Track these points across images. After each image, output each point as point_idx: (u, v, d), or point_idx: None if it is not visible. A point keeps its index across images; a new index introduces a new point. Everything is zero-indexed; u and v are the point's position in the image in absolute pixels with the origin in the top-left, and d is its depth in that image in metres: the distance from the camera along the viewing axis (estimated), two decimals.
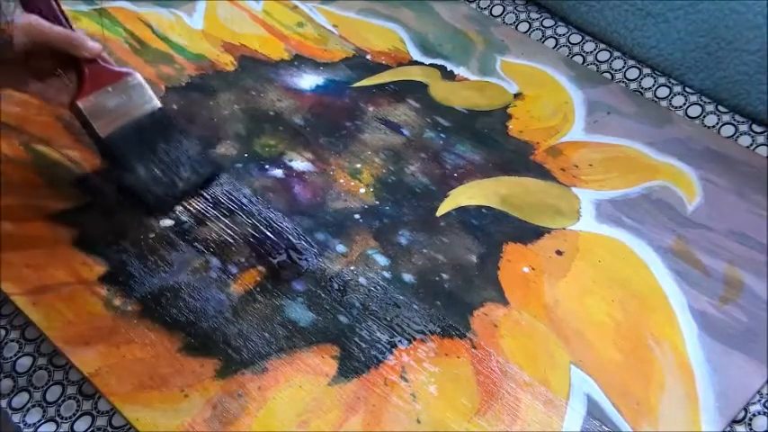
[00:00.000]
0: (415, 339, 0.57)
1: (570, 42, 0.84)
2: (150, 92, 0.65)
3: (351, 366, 0.56)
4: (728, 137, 0.74)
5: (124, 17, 0.84)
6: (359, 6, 0.89)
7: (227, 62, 0.80)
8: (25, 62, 0.60)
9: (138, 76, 0.65)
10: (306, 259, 0.62)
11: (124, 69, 0.65)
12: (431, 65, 0.82)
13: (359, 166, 0.70)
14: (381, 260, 0.63)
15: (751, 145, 0.73)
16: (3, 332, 0.58)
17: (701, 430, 0.53)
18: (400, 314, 0.59)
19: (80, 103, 0.62)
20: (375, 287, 0.61)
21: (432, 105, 0.77)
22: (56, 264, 0.61)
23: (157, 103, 0.65)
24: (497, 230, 0.65)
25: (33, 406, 0.55)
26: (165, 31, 0.83)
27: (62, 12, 0.63)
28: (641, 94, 0.79)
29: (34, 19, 0.59)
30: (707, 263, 0.63)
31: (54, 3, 0.63)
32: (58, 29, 0.60)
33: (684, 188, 0.69)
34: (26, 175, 0.67)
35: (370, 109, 0.76)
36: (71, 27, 0.63)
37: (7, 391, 0.55)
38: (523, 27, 0.86)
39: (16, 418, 0.54)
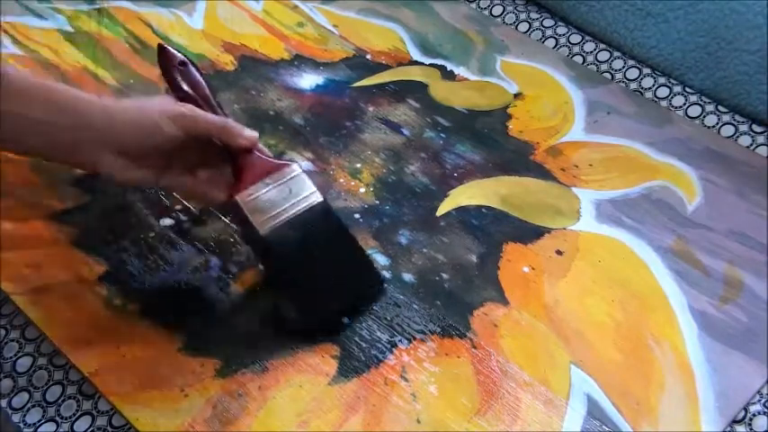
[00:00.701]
0: (415, 339, 0.57)
1: (570, 42, 0.84)
2: (311, 183, 0.59)
3: (351, 366, 0.56)
4: (728, 137, 0.74)
5: (124, 17, 0.84)
6: (359, 6, 0.89)
7: (228, 62, 0.80)
8: (176, 155, 0.56)
9: (298, 168, 0.59)
10: None
11: (283, 161, 0.59)
12: (431, 65, 0.82)
13: (359, 165, 0.70)
14: (381, 260, 0.63)
15: (751, 145, 0.73)
16: (3, 332, 0.58)
17: (700, 430, 0.53)
18: (400, 314, 0.59)
19: (238, 198, 0.56)
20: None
21: (432, 105, 0.77)
22: (56, 263, 0.61)
23: (319, 197, 0.59)
24: (497, 230, 0.65)
25: (33, 406, 0.55)
26: (166, 31, 0.83)
27: (215, 97, 0.59)
28: (641, 94, 0.79)
29: (189, 108, 0.55)
30: (707, 263, 0.63)
31: (207, 88, 0.59)
32: (212, 117, 0.56)
33: (684, 188, 0.69)
34: (26, 174, 0.67)
35: (370, 109, 0.76)
36: (225, 113, 0.59)
37: (7, 391, 0.55)
38: (523, 27, 0.86)
39: (16, 417, 0.54)
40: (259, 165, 0.58)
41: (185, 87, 0.58)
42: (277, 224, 0.56)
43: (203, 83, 0.59)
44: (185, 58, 0.59)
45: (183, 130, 0.54)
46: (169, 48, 0.60)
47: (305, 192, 0.58)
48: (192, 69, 0.59)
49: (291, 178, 0.58)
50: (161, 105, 0.55)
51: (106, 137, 0.52)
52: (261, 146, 0.59)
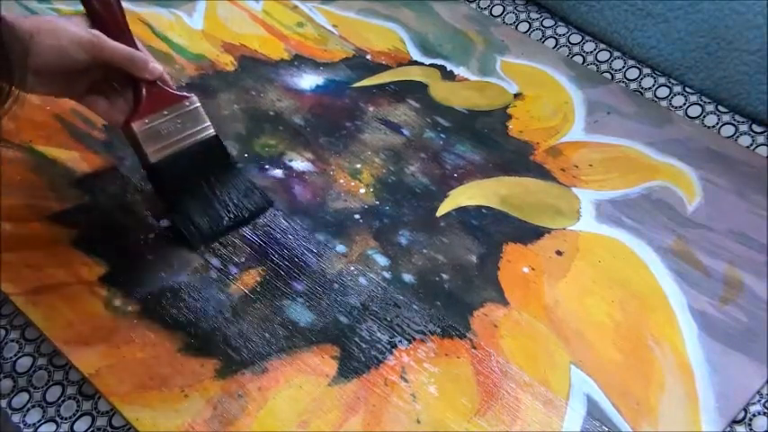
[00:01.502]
0: (414, 339, 0.57)
1: (570, 42, 0.84)
2: (206, 118, 0.63)
3: (351, 366, 0.56)
4: (728, 137, 0.74)
5: None
6: (359, 6, 0.89)
7: (227, 62, 0.80)
8: (85, 76, 0.59)
9: (196, 100, 0.63)
10: (306, 260, 0.62)
11: (183, 93, 0.63)
12: (431, 65, 0.82)
13: (359, 166, 0.70)
14: (381, 260, 0.63)
15: (751, 145, 0.73)
16: (3, 332, 0.58)
17: (700, 430, 0.53)
18: (400, 314, 0.59)
19: (134, 126, 0.60)
20: (375, 287, 0.61)
21: (432, 105, 0.77)
22: (56, 264, 0.61)
23: (212, 131, 0.63)
24: (497, 231, 0.65)
25: (33, 406, 0.55)
26: (165, 31, 0.83)
27: (128, 28, 0.61)
28: (641, 94, 0.79)
29: (96, 35, 0.57)
30: (707, 263, 0.63)
31: (121, 17, 0.61)
32: (121, 47, 0.59)
33: (684, 188, 0.69)
34: (26, 175, 0.67)
35: (370, 109, 0.76)
36: (135, 45, 0.61)
37: (7, 391, 0.55)
38: (523, 27, 0.86)
39: (16, 418, 0.54)
40: (158, 96, 0.61)
41: (98, 9, 0.60)
42: (168, 154, 0.61)
43: (115, 7, 0.61)
44: None
45: (91, 57, 0.57)
46: None
47: (199, 125, 0.63)
48: None
49: (188, 111, 0.62)
50: (72, 31, 0.57)
51: (15, 53, 0.54)
52: (166, 76, 0.62)
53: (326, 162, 0.70)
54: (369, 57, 0.82)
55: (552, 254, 0.64)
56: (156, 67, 0.61)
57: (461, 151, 0.72)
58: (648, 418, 0.54)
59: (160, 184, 0.63)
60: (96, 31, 0.58)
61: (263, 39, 0.84)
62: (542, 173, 0.71)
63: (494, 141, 0.74)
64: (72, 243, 0.62)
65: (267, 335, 0.57)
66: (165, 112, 0.61)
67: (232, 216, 0.64)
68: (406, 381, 0.55)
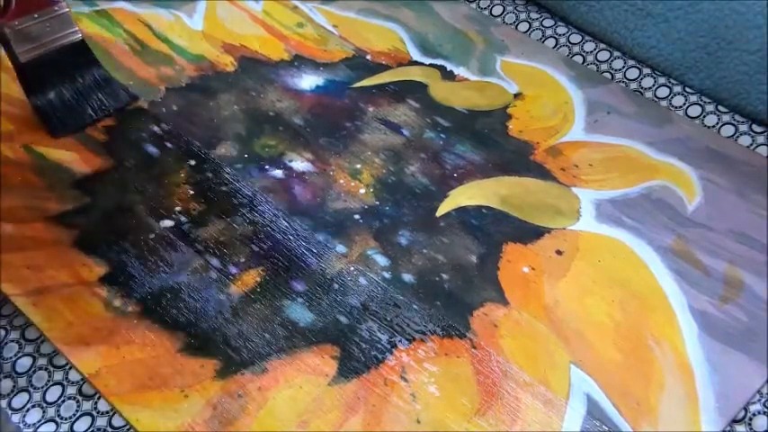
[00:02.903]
0: (414, 339, 0.57)
1: (570, 42, 0.84)
2: (74, 23, 0.69)
3: (351, 366, 0.56)
4: (728, 137, 0.74)
5: (123, 18, 0.84)
6: (359, 6, 0.89)
7: (227, 63, 0.80)
8: None
9: (65, 5, 0.67)
10: (306, 260, 0.62)
11: None
12: (431, 65, 0.82)
13: (359, 166, 0.70)
14: (381, 260, 0.63)
15: (751, 145, 0.73)
16: (3, 332, 0.58)
17: (700, 430, 0.53)
18: (400, 314, 0.59)
19: (5, 27, 0.64)
20: (375, 287, 0.61)
21: (432, 105, 0.77)
22: (56, 265, 0.61)
23: (79, 36, 0.69)
24: (497, 230, 0.65)
25: (33, 406, 0.55)
26: (165, 32, 0.83)
27: None
28: (641, 93, 0.79)
29: None
30: (707, 263, 0.63)
31: None
32: None
33: (684, 188, 0.69)
34: (26, 176, 0.67)
35: (370, 109, 0.76)
36: None
37: (7, 392, 0.55)
38: (523, 27, 0.86)
39: (16, 418, 0.54)
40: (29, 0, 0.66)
41: None
42: (36, 54, 0.67)
43: None
44: None
45: None
46: None
47: (67, 29, 0.68)
48: None
49: (57, 15, 0.67)
50: None
51: None
52: None
53: (326, 162, 0.71)
54: (369, 57, 0.82)
55: (552, 254, 0.64)
56: None
57: (461, 151, 0.72)
58: (648, 417, 0.54)
59: (28, 83, 0.68)
60: None
61: (263, 39, 0.84)
62: (542, 173, 0.71)
63: (494, 141, 0.74)
64: (72, 244, 0.62)
65: (267, 335, 0.57)
66: (36, 15, 0.66)
67: (94, 109, 0.71)
68: (406, 381, 0.55)
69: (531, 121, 0.76)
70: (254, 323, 0.58)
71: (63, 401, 0.55)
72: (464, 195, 0.68)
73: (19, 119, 0.71)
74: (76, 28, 0.69)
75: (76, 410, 0.54)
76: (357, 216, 0.66)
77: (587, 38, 0.84)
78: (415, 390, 0.55)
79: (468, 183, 0.69)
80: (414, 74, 0.81)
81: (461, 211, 0.67)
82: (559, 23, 0.85)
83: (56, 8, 0.67)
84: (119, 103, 0.72)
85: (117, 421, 0.53)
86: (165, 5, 0.87)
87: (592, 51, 0.83)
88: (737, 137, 0.74)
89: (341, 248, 0.63)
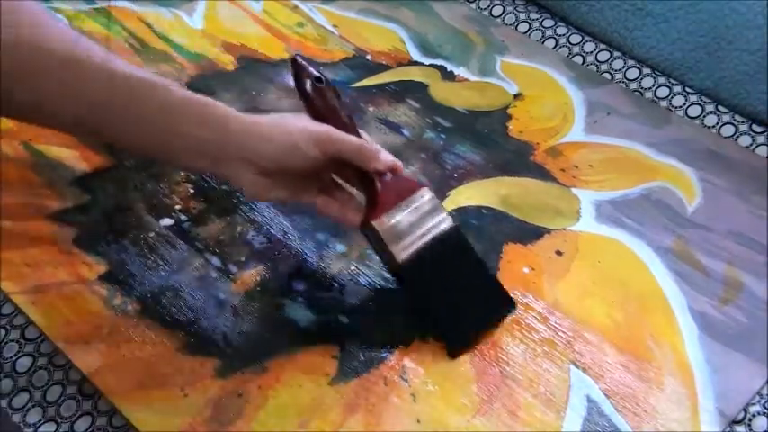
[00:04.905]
0: (414, 339, 0.57)
1: (570, 42, 0.84)
2: (443, 207, 0.58)
3: (351, 366, 0.56)
4: (728, 137, 0.74)
5: (124, 16, 0.84)
6: (359, 6, 0.89)
7: (227, 62, 0.80)
8: (314, 178, 0.57)
9: (428, 191, 0.58)
10: (306, 259, 0.62)
11: (416, 181, 0.59)
12: (431, 65, 0.82)
13: None
14: None
15: (751, 145, 0.73)
16: (3, 332, 0.58)
17: (700, 430, 0.53)
18: (400, 314, 0.59)
19: (375, 224, 0.55)
20: (375, 287, 0.61)
21: (432, 106, 0.77)
22: (56, 263, 0.61)
23: (451, 221, 0.58)
24: (497, 231, 0.65)
25: (33, 406, 0.55)
26: (166, 31, 0.83)
27: (351, 118, 0.58)
28: (641, 94, 0.79)
29: (330, 129, 0.55)
30: (707, 263, 0.63)
31: (342, 108, 0.58)
32: (351, 139, 0.55)
33: (684, 189, 0.69)
34: (26, 174, 0.67)
35: (370, 109, 0.76)
36: (358, 134, 0.58)
37: (7, 391, 0.55)
38: (523, 27, 0.86)
39: (16, 418, 0.54)
40: (393, 188, 0.57)
41: (321, 106, 0.57)
42: (413, 252, 0.56)
43: (338, 99, 0.58)
44: (320, 74, 0.58)
45: (322, 152, 0.54)
46: (302, 61, 0.58)
47: (438, 217, 0.58)
48: (327, 87, 0.58)
49: (424, 203, 0.57)
50: (300, 125, 0.54)
51: (245, 153, 0.52)
52: (398, 163, 0.57)
53: None
54: (369, 57, 0.82)
55: (552, 254, 0.64)
56: (388, 157, 0.57)
57: (461, 151, 0.72)
58: (648, 418, 0.54)
59: (412, 286, 0.57)
60: (325, 125, 0.55)
61: (264, 39, 0.84)
62: (542, 173, 0.71)
63: (494, 142, 0.74)
64: (72, 242, 0.62)
65: (267, 334, 0.57)
66: (403, 206, 0.56)
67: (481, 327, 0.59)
68: (405, 381, 0.55)
69: (531, 121, 0.76)
70: (255, 322, 0.58)
71: (63, 401, 0.55)
72: (464, 195, 0.68)
73: None
74: (446, 214, 0.58)
75: (77, 410, 0.54)
76: None
77: (587, 38, 0.84)
78: (415, 389, 0.55)
79: (468, 183, 0.70)
80: (414, 74, 0.81)
81: (461, 211, 0.67)
82: (559, 24, 0.86)
83: (420, 194, 0.57)
84: (498, 314, 0.59)
85: (117, 420, 0.53)
86: (165, 4, 0.87)
87: (592, 52, 0.83)
88: (737, 137, 0.74)
89: (341, 248, 0.63)
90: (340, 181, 0.60)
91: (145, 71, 0.50)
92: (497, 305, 0.59)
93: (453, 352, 0.56)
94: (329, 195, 0.58)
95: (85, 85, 0.47)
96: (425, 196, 0.58)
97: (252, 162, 0.52)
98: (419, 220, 0.57)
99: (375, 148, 0.56)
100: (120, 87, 0.48)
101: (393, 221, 0.56)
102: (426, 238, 0.57)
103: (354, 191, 0.59)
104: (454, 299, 0.57)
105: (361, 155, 0.55)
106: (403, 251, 0.56)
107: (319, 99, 0.58)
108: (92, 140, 0.53)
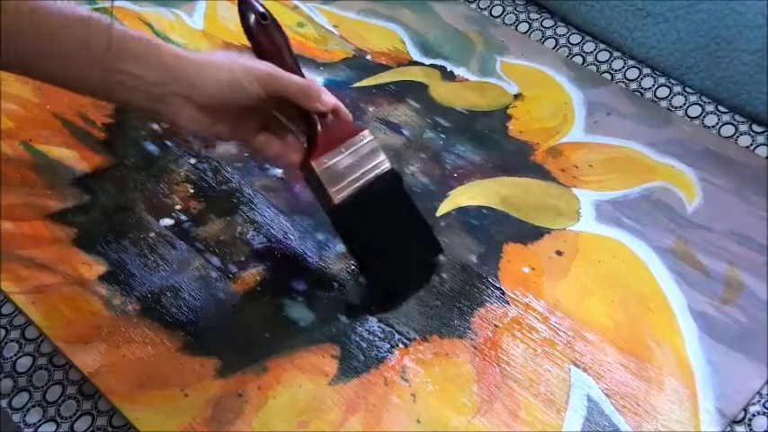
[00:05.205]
0: (414, 339, 0.57)
1: (570, 43, 0.84)
2: (382, 152, 0.59)
3: (351, 366, 0.56)
4: (728, 137, 0.74)
5: (124, 16, 0.84)
6: (359, 6, 0.89)
7: None
8: (255, 114, 0.56)
9: (369, 134, 0.59)
10: (306, 259, 0.62)
11: (358, 126, 0.60)
12: (431, 65, 0.82)
13: None
14: None
15: (751, 145, 0.73)
16: (3, 332, 0.58)
17: (700, 430, 0.53)
18: (400, 314, 0.59)
19: (314, 164, 0.56)
20: None
21: (432, 106, 0.77)
22: (55, 263, 0.61)
23: (388, 165, 0.60)
24: (497, 231, 0.65)
25: (33, 406, 0.55)
26: (166, 31, 0.83)
27: (295, 59, 0.58)
28: (641, 94, 0.79)
29: (273, 68, 0.54)
30: (707, 264, 0.63)
31: (287, 48, 0.58)
32: (294, 78, 0.55)
33: (684, 189, 0.69)
34: (26, 174, 0.67)
35: (370, 109, 0.76)
36: (302, 75, 0.58)
37: (7, 391, 0.55)
38: (523, 27, 0.86)
39: (16, 418, 0.54)
40: (335, 130, 0.57)
41: (265, 43, 0.57)
42: (349, 193, 0.57)
43: (283, 39, 0.58)
44: (266, 11, 0.58)
45: (264, 90, 0.54)
46: None
47: (376, 159, 0.59)
48: (272, 25, 0.58)
49: (363, 145, 0.58)
50: (242, 62, 0.54)
51: (184, 89, 0.52)
52: (341, 106, 0.58)
53: None
54: (369, 57, 0.82)
55: (552, 254, 0.64)
56: (330, 98, 0.57)
57: (461, 151, 0.72)
58: (648, 418, 0.54)
59: (344, 227, 0.59)
60: (269, 64, 0.55)
61: None
62: (542, 173, 0.71)
63: (494, 142, 0.74)
64: (72, 242, 0.62)
65: (267, 334, 0.57)
66: (342, 149, 0.58)
67: (416, 284, 0.61)
68: (406, 381, 0.55)
69: (531, 121, 0.76)
70: (255, 323, 0.58)
71: (63, 401, 0.55)
72: (464, 195, 0.68)
73: (19, 116, 0.71)
74: (384, 156, 0.59)
75: (77, 410, 0.54)
76: None
77: (587, 38, 0.84)
78: (415, 389, 0.55)
79: (468, 183, 0.69)
80: (414, 74, 0.81)
81: (462, 211, 0.67)
82: (559, 24, 0.86)
83: (360, 137, 0.58)
84: (429, 256, 0.62)
85: (117, 420, 0.53)
86: (165, 4, 0.87)
87: (592, 52, 0.83)
88: (737, 137, 0.74)
89: (341, 248, 0.63)
90: (283, 119, 0.60)
91: (83, 9, 0.50)
92: (426, 249, 0.62)
93: (377, 296, 0.59)
94: (271, 134, 0.58)
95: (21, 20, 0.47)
96: (365, 139, 0.59)
97: (191, 98, 0.52)
98: (358, 163, 0.58)
99: (318, 88, 0.56)
100: (50, 22, 0.48)
101: (332, 162, 0.57)
102: (363, 181, 0.58)
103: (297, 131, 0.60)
104: (384, 241, 0.59)
105: (304, 95, 0.55)
106: (339, 192, 0.57)
107: (263, 36, 0.57)
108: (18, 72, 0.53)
